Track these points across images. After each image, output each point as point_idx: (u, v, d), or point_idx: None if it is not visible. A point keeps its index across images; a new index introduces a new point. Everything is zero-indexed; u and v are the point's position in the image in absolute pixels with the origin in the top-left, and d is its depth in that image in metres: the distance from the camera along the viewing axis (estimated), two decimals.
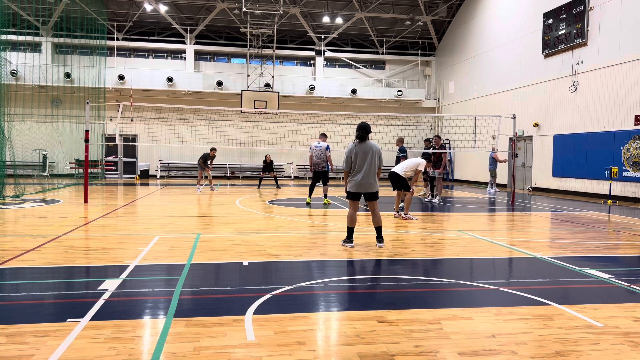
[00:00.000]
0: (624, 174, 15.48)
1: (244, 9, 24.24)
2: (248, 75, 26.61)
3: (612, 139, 15.91)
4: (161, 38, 27.73)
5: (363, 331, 3.75)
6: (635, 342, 3.64)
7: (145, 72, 25.86)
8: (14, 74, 23.42)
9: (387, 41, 29.21)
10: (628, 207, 14.03)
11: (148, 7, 25.72)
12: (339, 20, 27.49)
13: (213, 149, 17.80)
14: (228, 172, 26.93)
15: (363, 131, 7.15)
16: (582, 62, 17.37)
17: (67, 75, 24.11)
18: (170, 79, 25.49)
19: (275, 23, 25.82)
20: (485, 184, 20.88)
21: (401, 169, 10.54)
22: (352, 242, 7.21)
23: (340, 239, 7.62)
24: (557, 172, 18.63)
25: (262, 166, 20.67)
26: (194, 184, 20.58)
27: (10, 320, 3.88)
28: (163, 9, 25.95)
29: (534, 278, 5.49)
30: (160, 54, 27.81)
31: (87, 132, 13.54)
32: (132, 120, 22.64)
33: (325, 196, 13.46)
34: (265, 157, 20.28)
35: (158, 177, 26.25)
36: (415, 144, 25.39)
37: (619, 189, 15.66)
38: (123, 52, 27.05)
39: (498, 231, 9.42)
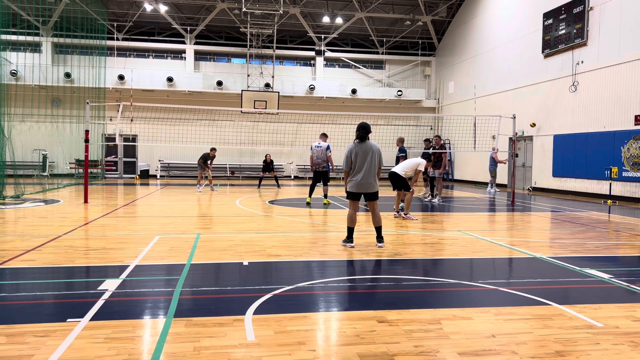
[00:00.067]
0: (624, 174, 15.48)
1: (244, 9, 24.24)
2: (248, 75, 26.61)
3: (612, 139, 15.91)
4: (161, 38, 27.73)
5: (363, 331, 3.75)
6: (635, 342, 3.64)
7: (145, 72, 25.86)
8: (14, 74, 23.42)
9: (387, 41, 29.21)
10: (628, 207, 14.03)
11: (148, 7, 25.72)
12: (339, 20, 27.49)
13: (213, 149, 17.80)
14: (228, 172, 26.93)
15: (363, 131, 7.15)
16: (582, 62, 17.37)
17: (67, 75, 24.11)
18: (170, 79, 25.49)
19: (275, 23, 25.82)
20: (485, 184, 20.89)
21: (401, 169, 10.54)
22: (352, 242, 7.21)
23: (340, 239, 7.62)
24: (557, 172, 18.63)
25: (262, 166, 20.64)
26: (194, 184, 20.58)
27: (10, 320, 3.88)
28: (163, 9, 25.96)
29: (534, 278, 5.49)
30: (160, 54, 27.81)
31: (87, 132, 13.54)
32: (132, 120, 22.64)
33: (326, 196, 13.46)
34: (266, 156, 20.23)
35: (158, 177, 26.25)
36: (415, 144, 25.39)
37: (619, 189, 15.66)
38: (123, 52, 27.06)
39: (498, 231, 9.42)
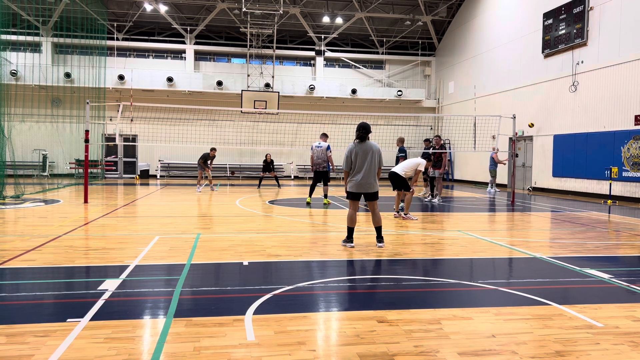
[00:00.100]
0: (624, 174, 15.48)
1: (244, 9, 24.24)
2: (248, 75, 26.61)
3: (612, 139, 15.91)
4: (161, 38, 27.73)
5: (363, 331, 3.75)
6: (635, 342, 3.64)
7: (145, 72, 25.86)
8: (14, 74, 23.42)
9: (387, 41, 29.21)
10: (628, 207, 14.03)
11: (148, 7, 25.72)
12: (339, 20, 27.49)
13: (213, 149, 17.80)
14: (228, 172, 26.93)
15: (363, 131, 7.15)
16: (582, 62, 17.37)
17: (67, 75, 24.11)
18: (170, 79, 25.49)
19: (275, 23, 25.82)
20: (485, 184, 20.89)
21: (401, 169, 10.54)
22: (352, 242, 7.21)
23: (340, 239, 7.62)
24: (557, 172, 18.63)
25: (262, 166, 20.60)
26: (194, 184, 20.58)
27: (10, 320, 3.88)
28: (163, 9, 25.96)
29: (534, 278, 5.49)
30: (160, 54, 27.81)
31: (87, 132, 13.54)
32: (132, 120, 22.64)
33: (326, 196, 13.46)
34: (266, 156, 20.18)
35: (158, 177, 26.25)
36: (415, 144, 25.40)
37: (619, 189, 15.66)
38: (123, 52, 27.06)
39: (498, 231, 9.42)
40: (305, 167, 27.70)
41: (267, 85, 26.41)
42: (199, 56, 27.97)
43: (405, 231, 8.88)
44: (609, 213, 12.36)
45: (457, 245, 7.56)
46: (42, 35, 24.71)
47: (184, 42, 27.30)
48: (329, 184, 13.45)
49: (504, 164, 19.12)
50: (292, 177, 27.59)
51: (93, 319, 3.91)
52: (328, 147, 13.02)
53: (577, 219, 10.92)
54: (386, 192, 14.68)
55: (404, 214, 10.53)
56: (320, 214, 11.42)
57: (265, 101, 25.04)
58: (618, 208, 13.64)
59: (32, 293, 4.71)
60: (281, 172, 27.19)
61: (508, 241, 7.98)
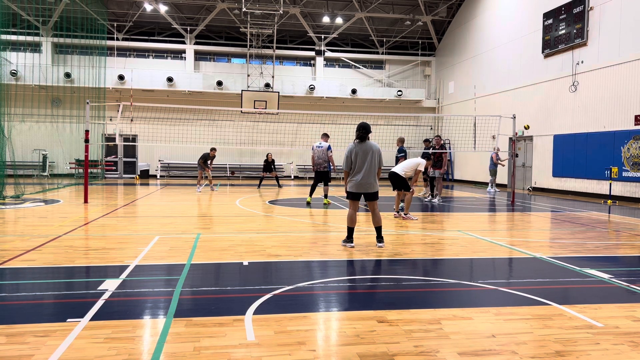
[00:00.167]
0: (624, 174, 15.48)
1: (244, 9, 24.24)
2: (248, 75, 26.61)
3: (612, 139, 15.91)
4: (161, 38, 27.73)
5: (363, 331, 3.75)
6: (635, 342, 3.64)
7: (145, 72, 25.86)
8: (14, 74, 23.42)
9: (387, 41, 29.21)
10: (628, 207, 14.03)
11: (148, 7, 25.73)
12: (339, 20, 27.49)
13: (213, 149, 17.80)
14: (228, 172, 26.93)
15: (363, 131, 7.15)
16: (582, 62, 17.37)
17: (67, 75, 24.12)
18: (170, 79, 25.49)
19: (275, 23, 25.82)
20: (485, 184, 20.89)
21: (401, 169, 10.54)
22: (352, 242, 7.21)
23: (340, 239, 7.62)
24: (557, 172, 18.63)
25: (262, 166, 20.52)
26: (194, 184, 20.58)
27: (10, 320, 3.88)
28: (163, 9, 25.96)
29: (534, 278, 5.49)
30: (160, 54, 27.81)
31: (87, 132, 13.54)
32: (132, 120, 22.64)
33: (326, 196, 13.46)
34: (267, 156, 20.06)
35: (158, 177, 26.25)
36: (415, 144, 25.40)
37: (619, 189, 15.66)
38: (123, 52, 27.06)
39: (498, 231, 9.42)
40: (306, 167, 27.70)
41: (267, 85, 26.41)
42: (199, 56, 27.97)
43: (405, 231, 8.88)
44: (609, 213, 12.36)
45: (457, 245, 7.56)
46: (42, 35, 24.71)
47: (184, 42, 27.30)
48: (329, 184, 13.45)
49: (503, 165, 19.12)
50: (292, 177, 27.59)
51: (93, 319, 3.91)
52: (329, 147, 13.02)
53: (577, 219, 10.92)
54: (386, 192, 14.67)
55: (404, 214, 10.53)
56: (320, 214, 11.42)
57: (265, 101, 25.04)
58: (618, 208, 13.64)
59: (32, 293, 4.71)
60: (281, 172, 27.18)
61: (508, 241, 7.98)
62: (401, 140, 15.18)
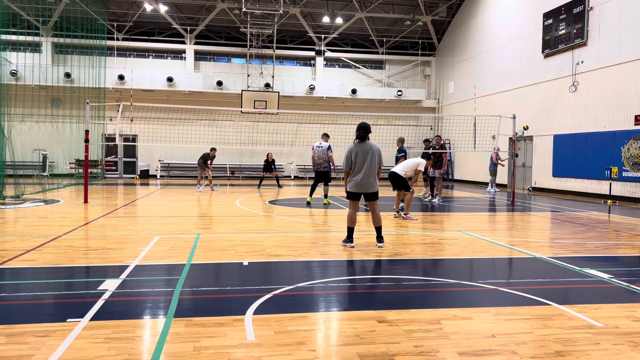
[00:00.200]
0: (624, 174, 15.48)
1: (244, 9, 24.24)
2: (248, 75, 26.62)
3: (612, 139, 15.92)
4: (161, 38, 27.74)
5: (363, 331, 3.75)
6: (635, 342, 3.64)
7: (145, 72, 25.86)
8: (14, 74, 23.42)
9: (387, 41, 29.21)
10: (628, 207, 14.03)
11: (148, 7, 25.73)
12: (339, 20, 27.49)
13: (213, 149, 17.80)
14: (228, 172, 26.93)
15: (363, 131, 7.15)
16: (582, 62, 17.37)
17: (67, 75, 24.12)
18: (170, 79, 25.49)
19: (275, 23, 25.82)
20: (485, 184, 20.89)
21: (401, 169, 10.54)
22: (352, 242, 7.21)
23: (340, 239, 7.62)
24: (557, 172, 18.63)
25: (263, 165, 20.43)
26: (194, 184, 20.58)
27: (10, 320, 3.88)
28: (163, 9, 25.96)
29: (534, 278, 5.49)
30: (160, 54, 27.81)
31: (87, 132, 13.54)
32: (132, 120, 22.65)
33: (326, 196, 13.47)
34: (267, 155, 19.97)
35: (158, 177, 26.25)
36: (415, 144, 25.39)
37: (619, 189, 15.66)
38: (123, 52, 27.06)
39: (498, 231, 9.42)
40: (306, 167, 27.71)
41: (267, 85, 26.41)
42: (199, 56, 27.97)
43: (405, 231, 8.88)
44: (609, 213, 12.36)
45: (457, 245, 7.57)
46: (42, 35, 24.71)
47: (184, 42, 27.31)
48: (329, 184, 13.45)
49: (503, 165, 19.12)
50: (292, 177, 27.59)
51: (93, 319, 3.91)
52: (329, 147, 13.02)
53: (577, 219, 10.92)
54: (386, 192, 14.67)
55: (404, 214, 10.53)
56: (320, 214, 11.42)
57: (265, 101, 25.04)
58: (618, 208, 13.64)
59: (32, 293, 4.71)
60: (281, 172, 27.19)
61: (508, 241, 7.98)
62: (401, 140, 15.18)
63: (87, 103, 13.95)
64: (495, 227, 10.05)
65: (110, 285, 4.87)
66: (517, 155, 20.68)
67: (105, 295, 4.53)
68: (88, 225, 8.98)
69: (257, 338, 3.57)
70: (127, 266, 5.71)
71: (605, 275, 5.59)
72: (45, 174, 24.01)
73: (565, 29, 18.00)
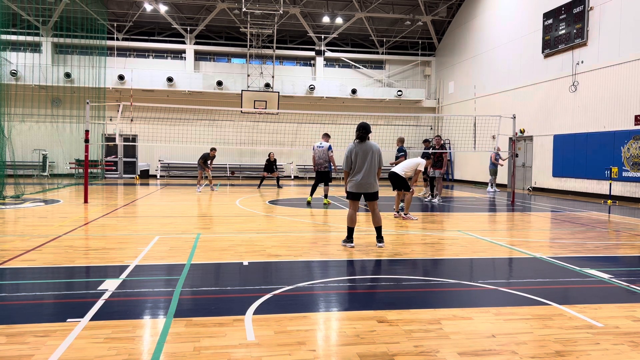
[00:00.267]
0: (624, 174, 15.48)
1: (244, 9, 24.24)
2: (248, 75, 26.62)
3: (612, 139, 15.92)
4: (161, 38, 27.74)
5: (363, 331, 3.75)
6: (635, 342, 3.64)
7: (145, 72, 25.86)
8: (14, 74, 23.42)
9: (387, 41, 29.21)
10: (628, 207, 14.03)
11: (148, 7, 25.73)
12: (339, 20, 27.49)
13: (213, 149, 17.80)
14: (228, 172, 26.93)
15: (363, 131, 7.15)
16: (582, 62, 17.37)
17: (67, 75, 24.12)
18: (170, 79, 25.49)
19: (275, 23, 25.82)
20: (486, 184, 20.88)
21: (401, 169, 10.54)
22: (352, 242, 7.21)
23: (341, 239, 7.62)
24: (557, 172, 18.63)
25: (264, 165, 20.29)
26: (194, 184, 20.58)
27: (10, 320, 3.88)
28: (163, 9, 25.96)
29: (534, 278, 5.49)
30: (160, 54, 27.81)
31: (87, 132, 13.54)
32: (132, 120, 22.65)
33: (326, 196, 13.47)
34: (269, 155, 19.84)
35: (158, 177, 26.25)
36: (415, 144, 25.38)
37: (619, 189, 15.66)
38: (123, 52, 27.06)
39: (498, 231, 9.42)
40: (306, 167, 27.71)
41: (267, 85, 26.41)
42: (199, 56, 27.98)
43: (405, 231, 8.88)
44: (609, 213, 12.36)
45: (457, 245, 7.56)
46: (42, 35, 24.71)
47: (184, 42, 27.31)
48: (329, 184, 13.45)
49: (501, 165, 19.12)
50: (292, 177, 27.59)
51: (93, 319, 3.91)
52: (329, 147, 13.02)
53: (577, 219, 10.92)
54: (386, 192, 14.67)
55: (404, 214, 10.53)
56: (320, 214, 11.42)
57: (265, 101, 25.04)
58: (618, 208, 13.64)
59: (32, 293, 4.71)
60: (281, 172, 27.20)
61: (508, 241, 7.98)
62: (401, 140, 15.17)
63: (87, 103, 13.95)
64: (495, 227, 10.05)
65: (110, 285, 4.87)
66: (517, 155, 20.68)
67: (105, 295, 4.53)
68: (88, 225, 8.98)
69: (257, 338, 3.57)
70: (127, 266, 5.71)
71: (605, 275, 5.59)
72: (45, 174, 24.02)
73: (565, 29, 18.00)
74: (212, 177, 18.83)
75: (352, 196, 7.23)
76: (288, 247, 7.08)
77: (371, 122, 14.04)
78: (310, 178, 26.79)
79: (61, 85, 24.01)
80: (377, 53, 29.39)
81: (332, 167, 13.25)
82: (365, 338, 3.62)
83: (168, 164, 26.69)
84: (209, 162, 17.71)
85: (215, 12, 26.03)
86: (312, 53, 28.39)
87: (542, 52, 19.31)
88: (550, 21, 18.83)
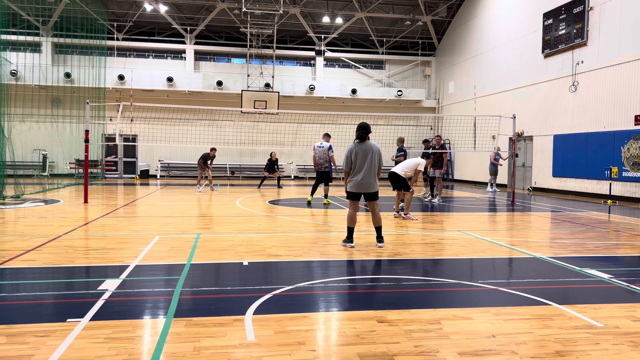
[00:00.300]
0: (624, 174, 15.48)
1: (244, 9, 24.24)
2: (248, 75, 26.61)
3: (612, 139, 15.92)
4: (161, 38, 27.74)
5: (363, 331, 3.75)
6: (635, 342, 3.64)
7: (145, 72, 25.87)
8: (14, 74, 23.42)
9: (387, 41, 29.21)
10: (628, 207, 14.03)
11: (148, 7, 25.73)
12: (339, 20, 27.49)
13: (213, 149, 17.80)
14: (228, 172, 26.93)
15: (363, 131, 7.15)
16: (582, 62, 17.37)
17: (67, 75, 24.12)
18: (170, 79, 25.49)
19: (275, 23, 25.82)
20: (486, 184, 20.88)
21: (401, 169, 10.54)
22: (352, 242, 7.21)
23: (341, 239, 7.62)
24: (557, 172, 18.63)
25: (265, 165, 20.21)
26: (194, 184, 20.58)
27: (10, 320, 3.88)
28: (163, 9, 25.96)
29: (534, 278, 5.49)
30: (160, 54, 27.81)
31: (87, 132, 13.54)
32: (132, 120, 22.65)
33: (326, 196, 13.47)
34: (271, 154, 19.74)
35: (158, 177, 26.25)
36: (415, 144, 25.38)
37: (619, 189, 15.66)
38: (123, 52, 27.06)
39: (498, 231, 9.42)
40: (306, 167, 27.71)
41: (267, 85, 26.42)
42: (199, 56, 27.98)
43: (405, 231, 8.88)
44: (609, 213, 12.36)
45: (457, 245, 7.57)
46: (42, 35, 24.71)
47: (184, 42, 27.31)
48: (330, 184, 13.45)
49: (500, 165, 19.12)
50: (292, 177, 27.59)
51: (93, 319, 3.91)
52: (330, 147, 13.02)
53: (577, 219, 10.92)
54: (386, 192, 14.67)
55: (404, 214, 10.53)
56: (320, 214, 11.42)
57: (265, 101, 25.04)
58: (618, 208, 13.65)
59: (32, 293, 4.71)
60: (281, 172, 27.18)
61: (508, 241, 7.98)
62: (401, 140, 15.18)
63: (87, 103, 13.95)
64: (495, 227, 10.05)
65: (110, 285, 4.87)
66: (517, 155, 20.69)
67: (105, 295, 4.53)
68: (88, 225, 8.98)
69: (257, 338, 3.57)
70: (127, 266, 5.71)
71: (605, 275, 5.59)
72: (45, 174, 24.01)
73: (565, 29, 18.00)
74: (212, 177, 18.83)
75: (352, 196, 7.23)
76: (288, 247, 7.08)
77: (371, 122, 14.04)
78: (310, 178, 26.79)
79: (61, 85, 24.01)
80: (377, 53, 29.39)
81: (333, 167, 13.25)
82: (365, 338, 3.62)
83: (168, 164, 26.69)
84: (209, 162, 17.71)
85: (215, 12, 26.04)
86: (312, 53, 28.39)
87: (542, 52, 19.31)
88: (550, 21, 18.83)
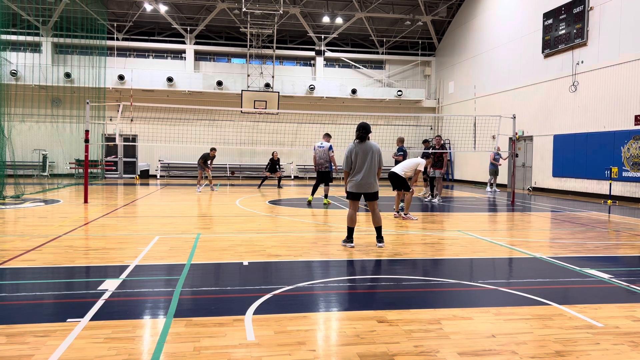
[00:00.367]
0: (624, 174, 15.48)
1: (244, 9, 24.24)
2: (248, 75, 26.61)
3: (612, 139, 15.92)
4: (161, 38, 27.74)
5: (363, 331, 3.75)
6: (635, 342, 3.64)
7: (145, 72, 25.87)
8: (14, 74, 23.42)
9: (387, 41, 29.21)
10: (628, 207, 14.03)
11: (148, 7, 25.73)
12: (339, 20, 27.49)
13: (213, 149, 17.80)
14: (228, 172, 26.93)
15: (363, 131, 7.15)
16: (582, 62, 17.37)
17: (67, 75, 24.12)
18: (170, 79, 25.49)
19: (275, 23, 25.82)
20: (486, 184, 20.88)
21: (401, 169, 10.54)
22: (352, 242, 7.21)
23: (341, 239, 7.62)
24: (557, 172, 18.63)
25: (267, 165, 20.17)
26: (194, 184, 20.58)
27: (10, 320, 3.88)
28: (163, 9, 25.96)
29: (534, 278, 5.49)
30: (160, 54, 27.81)
31: (87, 132, 13.54)
32: (132, 120, 22.65)
33: (326, 196, 13.46)
34: (272, 154, 19.70)
35: (158, 177, 26.25)
36: (415, 144, 25.38)
37: (619, 189, 15.66)
38: (123, 52, 27.06)
39: (498, 231, 9.42)
40: (306, 167, 27.71)
41: (267, 85, 26.41)
42: (199, 56, 27.97)
43: (405, 231, 8.88)
44: (609, 213, 12.36)
45: (457, 245, 7.57)
46: (42, 35, 24.71)
47: (184, 42, 27.31)
48: (330, 184, 13.44)
49: (500, 165, 19.12)
50: (292, 177, 27.59)
51: (93, 319, 3.91)
52: (330, 147, 13.02)
53: (577, 219, 10.92)
54: (386, 192, 14.67)
55: (404, 214, 10.53)
56: (320, 214, 11.42)
57: (265, 101, 25.04)
58: (618, 208, 13.64)
59: (32, 293, 4.71)
60: (282, 172, 27.18)
61: (508, 241, 7.98)
62: (401, 140, 15.18)
63: (87, 103, 13.95)
64: (495, 227, 10.05)
65: (110, 285, 4.87)
66: (517, 155, 20.69)
67: (105, 295, 4.53)
68: (88, 225, 8.98)
69: (257, 338, 3.57)
70: (127, 266, 5.71)
71: (605, 275, 5.59)
72: (45, 174, 24.01)
73: (565, 29, 18.00)
74: (212, 177, 18.83)
75: (352, 196, 7.23)
76: (288, 247, 7.08)
77: (371, 122, 14.04)
78: (310, 178, 26.79)
79: (61, 85, 24.01)
80: (377, 53, 29.39)
81: (333, 167, 13.25)
82: (365, 338, 3.62)
83: (168, 164, 26.69)
84: (209, 162, 17.72)
85: (215, 12, 26.03)
86: (312, 53, 28.39)
87: (542, 52, 19.31)
88: (550, 21, 18.83)
